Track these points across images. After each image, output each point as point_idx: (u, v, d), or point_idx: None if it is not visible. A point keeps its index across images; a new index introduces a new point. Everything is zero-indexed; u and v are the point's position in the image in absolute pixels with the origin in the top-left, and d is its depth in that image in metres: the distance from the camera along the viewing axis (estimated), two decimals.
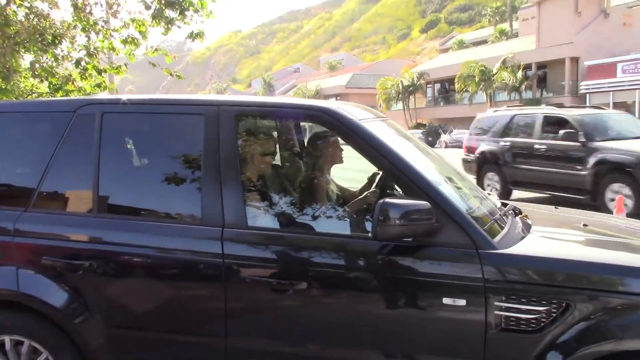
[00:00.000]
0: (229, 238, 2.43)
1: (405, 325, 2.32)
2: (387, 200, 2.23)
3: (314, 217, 2.77)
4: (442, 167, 2.90)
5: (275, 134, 3.47)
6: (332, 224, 2.81)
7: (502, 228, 2.52)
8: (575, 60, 37.27)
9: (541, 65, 40.11)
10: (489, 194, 3.09)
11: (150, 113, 2.82)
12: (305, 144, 3.40)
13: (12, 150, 2.89)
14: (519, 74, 38.37)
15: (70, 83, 8.17)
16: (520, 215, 2.91)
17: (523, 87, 39.03)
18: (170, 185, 2.68)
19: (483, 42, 64.66)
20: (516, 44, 45.64)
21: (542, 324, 2.15)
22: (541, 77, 40.25)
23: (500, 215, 2.68)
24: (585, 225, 2.94)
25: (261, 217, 2.67)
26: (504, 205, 3.02)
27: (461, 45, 69.21)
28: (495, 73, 39.57)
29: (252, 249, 2.46)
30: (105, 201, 2.67)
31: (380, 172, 3.05)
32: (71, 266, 2.55)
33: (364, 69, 70.33)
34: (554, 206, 3.78)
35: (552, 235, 2.82)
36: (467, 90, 41.86)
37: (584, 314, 2.14)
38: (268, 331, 2.44)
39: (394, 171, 2.43)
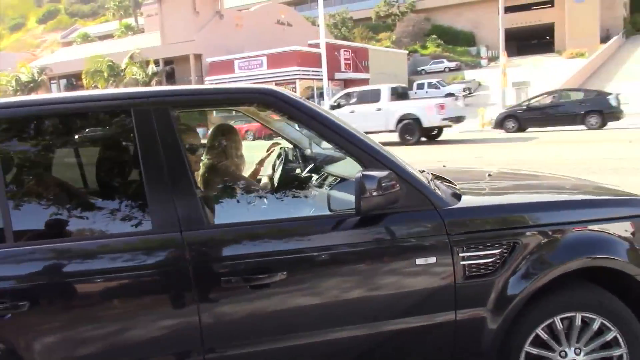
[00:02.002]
0: (191, 241, 2.16)
1: (388, 292, 2.35)
2: (364, 172, 2.21)
3: (267, 204, 2.75)
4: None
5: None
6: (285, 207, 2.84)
7: (439, 188, 2.61)
8: (198, 57, 39.71)
9: (169, 61, 41.39)
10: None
11: (62, 114, 2.35)
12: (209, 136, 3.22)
13: None
14: (149, 69, 38.68)
15: None
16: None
17: (154, 82, 39.51)
18: (104, 196, 2.40)
19: (109, 36, 62.82)
20: (143, 39, 45.82)
21: (497, 265, 2.39)
22: (169, 72, 41.52)
23: (431, 177, 2.78)
24: (489, 175, 3.36)
25: (220, 213, 2.57)
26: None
27: (86, 38, 65.77)
28: (124, 68, 38.95)
29: (221, 247, 2.24)
30: (22, 226, 2.18)
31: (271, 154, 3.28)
32: None
33: None
34: (442, 165, 4.05)
35: (478, 188, 3.09)
36: (96, 86, 40.03)
37: (528, 249, 2.42)
38: (250, 331, 2.24)
39: (347, 145, 2.42)
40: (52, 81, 46.39)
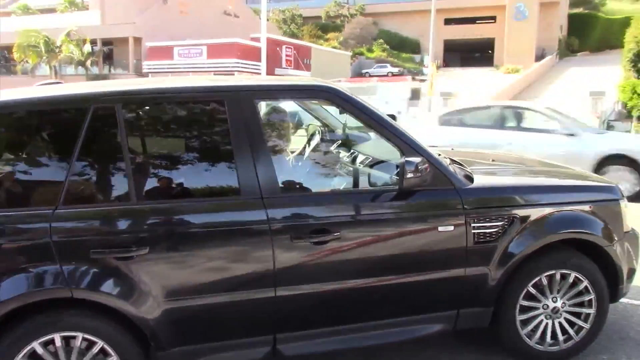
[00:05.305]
0: (269, 204, 2.77)
1: (416, 250, 3.01)
2: (406, 159, 2.83)
3: (326, 176, 3.67)
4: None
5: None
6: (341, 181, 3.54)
7: (456, 170, 3.17)
8: (138, 40, 38.86)
9: (107, 42, 40.33)
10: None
11: (171, 102, 2.95)
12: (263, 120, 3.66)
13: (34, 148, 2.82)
14: (85, 48, 37.61)
15: None
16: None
17: (89, 62, 38.49)
18: (206, 167, 2.94)
19: (52, 10, 60.49)
20: (83, 17, 44.32)
21: (499, 235, 3.08)
22: (107, 53, 40.50)
23: (449, 160, 3.31)
24: (493, 160, 4.04)
25: (289, 184, 3.12)
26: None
27: (26, 10, 63.16)
28: (60, 45, 37.73)
29: (292, 211, 2.85)
30: (142, 189, 2.76)
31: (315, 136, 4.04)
32: (122, 254, 2.61)
33: None
34: (450, 147, 4.77)
35: (486, 171, 3.70)
36: (27, 61, 38.63)
37: (523, 223, 3.11)
38: (311, 277, 2.87)
39: (389, 135, 3.02)
40: None
